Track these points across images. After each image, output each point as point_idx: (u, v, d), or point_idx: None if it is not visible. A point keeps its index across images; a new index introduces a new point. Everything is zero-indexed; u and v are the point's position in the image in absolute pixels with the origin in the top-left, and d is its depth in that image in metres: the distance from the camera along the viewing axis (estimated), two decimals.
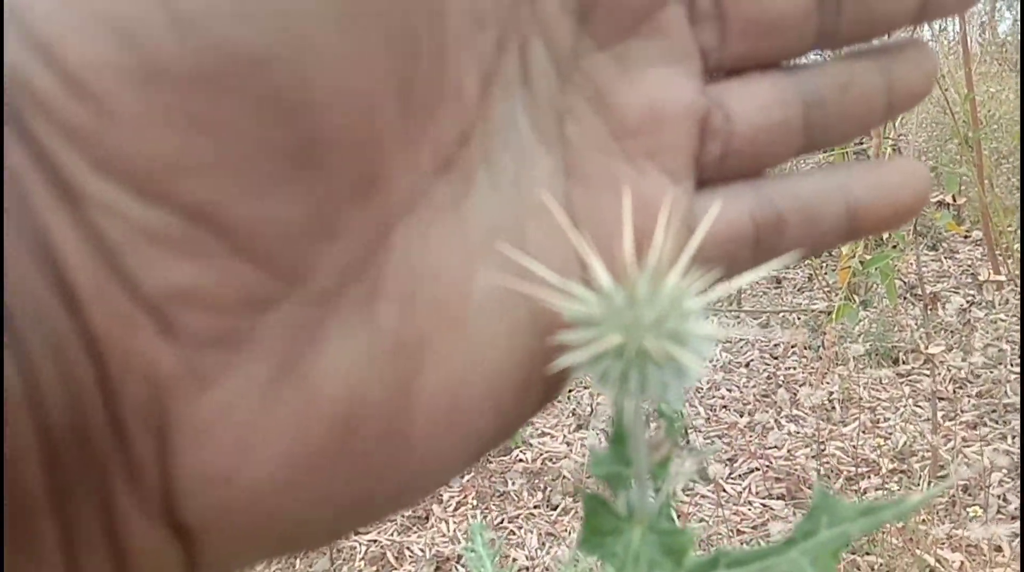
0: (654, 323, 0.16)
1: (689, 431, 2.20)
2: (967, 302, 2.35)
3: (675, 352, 0.16)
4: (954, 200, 1.70)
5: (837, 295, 2.12)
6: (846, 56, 0.22)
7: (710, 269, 0.18)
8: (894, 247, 1.85)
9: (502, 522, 2.05)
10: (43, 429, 0.13)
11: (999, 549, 1.63)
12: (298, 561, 1.92)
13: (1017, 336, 2.42)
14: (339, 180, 0.16)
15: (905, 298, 2.48)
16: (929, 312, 1.75)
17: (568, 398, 2.64)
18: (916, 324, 2.12)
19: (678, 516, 1.91)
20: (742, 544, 1.80)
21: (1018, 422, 2.03)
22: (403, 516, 2.15)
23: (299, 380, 0.16)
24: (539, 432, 2.47)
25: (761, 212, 0.21)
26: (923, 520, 1.73)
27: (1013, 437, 1.97)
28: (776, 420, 2.26)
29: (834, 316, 1.76)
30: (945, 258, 3.24)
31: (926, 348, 1.69)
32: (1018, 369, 2.29)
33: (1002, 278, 1.66)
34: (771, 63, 0.22)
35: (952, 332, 2.43)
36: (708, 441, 2.20)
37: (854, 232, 0.22)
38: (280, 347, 0.16)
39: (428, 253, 0.17)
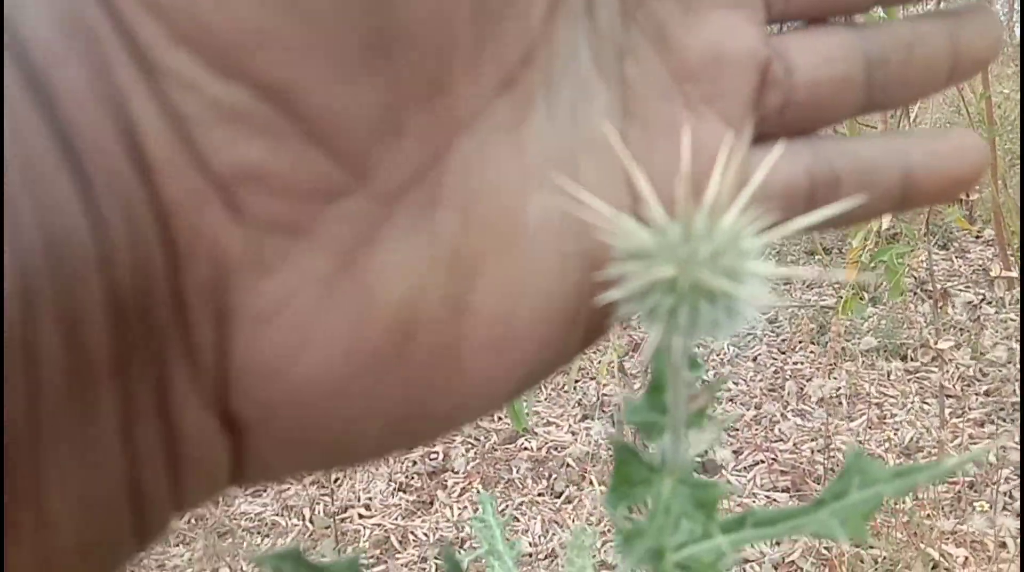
0: (709, 258, 0.16)
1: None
2: (977, 299, 2.34)
3: (729, 288, 0.16)
4: (967, 196, 1.68)
5: (847, 291, 2.11)
6: (912, 17, 0.22)
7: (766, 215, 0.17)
8: (904, 243, 1.84)
9: (506, 509, 2.06)
10: (111, 288, 0.14)
11: (1004, 545, 1.63)
12: (305, 539, 1.93)
13: None
14: (413, 78, 0.16)
15: (915, 294, 2.47)
16: (939, 309, 1.75)
17: (574, 389, 2.64)
18: (925, 321, 2.12)
19: None
20: None
21: None
22: (407, 501, 2.16)
23: (358, 277, 0.16)
24: (544, 421, 2.48)
25: (818, 168, 0.21)
26: (928, 515, 1.72)
27: (1021, 436, 1.96)
28: (782, 413, 2.25)
29: (840, 310, 1.76)
30: (956, 257, 3.23)
31: (935, 343, 1.68)
32: None
33: (1014, 275, 1.65)
34: (836, 17, 0.22)
35: (962, 330, 2.42)
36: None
37: (908, 200, 0.22)
38: (341, 241, 0.16)
39: (486, 170, 0.17)
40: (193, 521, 1.94)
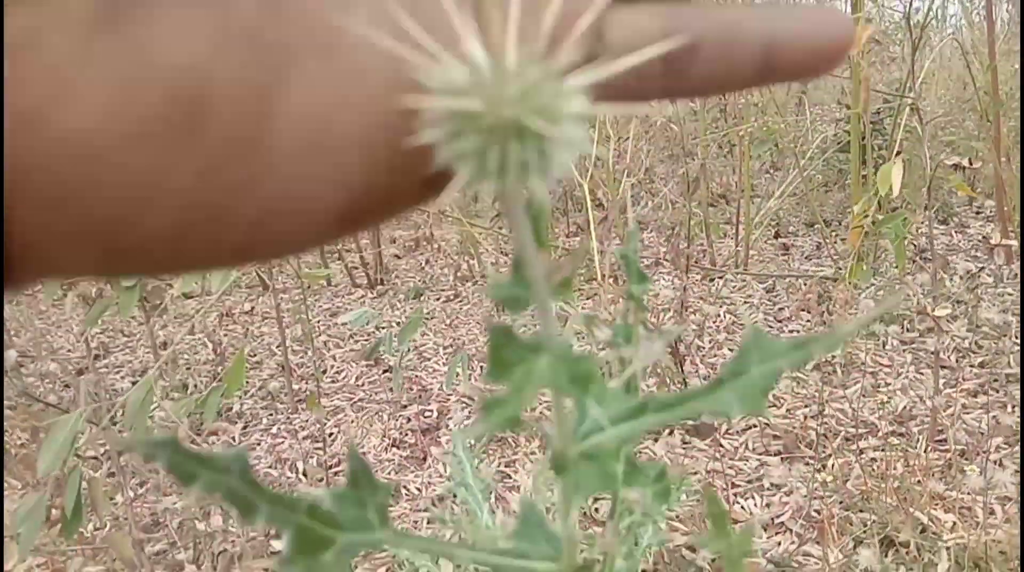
0: (519, 95, 0.15)
1: (689, 387, 2.21)
2: (977, 268, 2.34)
3: (540, 127, 0.15)
4: (970, 163, 1.68)
5: (845, 262, 2.11)
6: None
7: (616, 79, 0.16)
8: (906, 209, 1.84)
9: (500, 466, 2.07)
10: None
11: (992, 513, 1.64)
12: (298, 492, 1.93)
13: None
14: None
15: (914, 262, 2.47)
16: (937, 278, 1.75)
17: None
18: (923, 291, 2.12)
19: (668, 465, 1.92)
20: (736, 497, 1.82)
21: (1019, 392, 2.03)
22: (400, 456, 2.17)
23: (128, 31, 0.15)
24: None
25: (675, 29, 0.20)
26: (919, 481, 1.74)
27: (1013, 406, 1.97)
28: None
29: (847, 276, 1.76)
30: (956, 232, 3.23)
31: (932, 310, 1.68)
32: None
33: (1013, 243, 1.65)
34: None
35: (959, 301, 2.42)
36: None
37: (768, 71, 0.21)
38: None
39: None
40: None
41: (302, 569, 0.22)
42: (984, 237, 1.56)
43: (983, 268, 2.44)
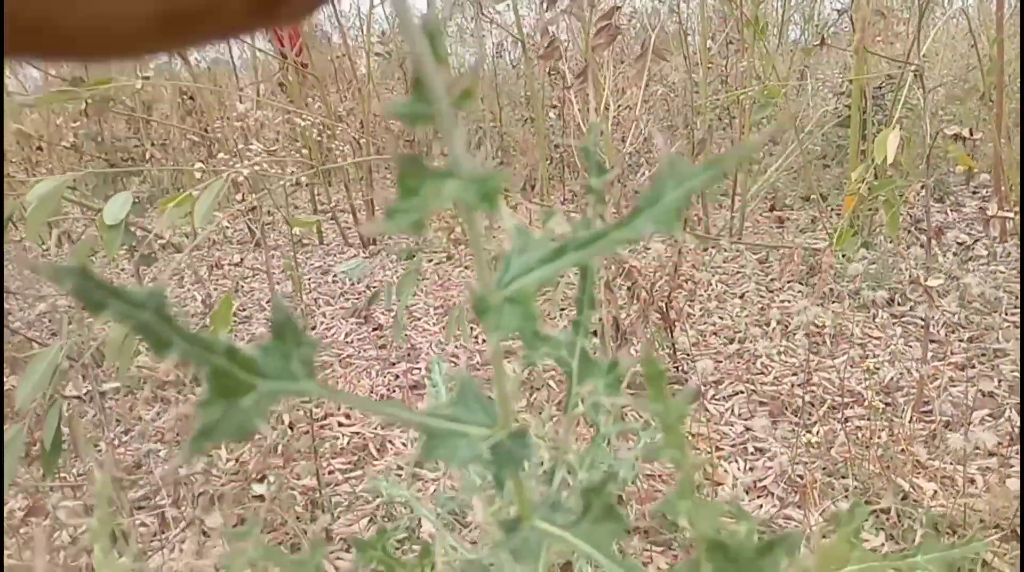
0: None
1: (678, 353, 2.20)
2: (971, 240, 2.33)
3: None
4: (970, 134, 1.66)
5: (840, 235, 2.10)
6: None
7: None
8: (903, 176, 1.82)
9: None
10: None
11: (972, 482, 1.65)
12: (284, 444, 1.93)
13: (1014, 286, 2.41)
14: None
15: (908, 232, 2.46)
16: (931, 250, 1.74)
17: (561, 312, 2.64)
18: (916, 264, 2.11)
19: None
20: (720, 461, 1.82)
21: (1006, 367, 2.04)
22: None
23: None
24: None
25: None
26: (902, 449, 1.74)
27: (1000, 381, 1.97)
28: (766, 349, 2.26)
29: (835, 242, 1.75)
30: (951, 210, 3.21)
31: (925, 280, 1.67)
32: (1013, 317, 2.29)
33: (1009, 214, 1.64)
34: None
35: (952, 277, 2.42)
36: (694, 361, 2.21)
37: None
38: None
39: None
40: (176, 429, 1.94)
41: (220, 411, 0.21)
42: (981, 208, 1.54)
43: (978, 240, 2.43)
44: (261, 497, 1.61)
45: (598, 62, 2.29)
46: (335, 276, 3.17)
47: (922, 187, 1.71)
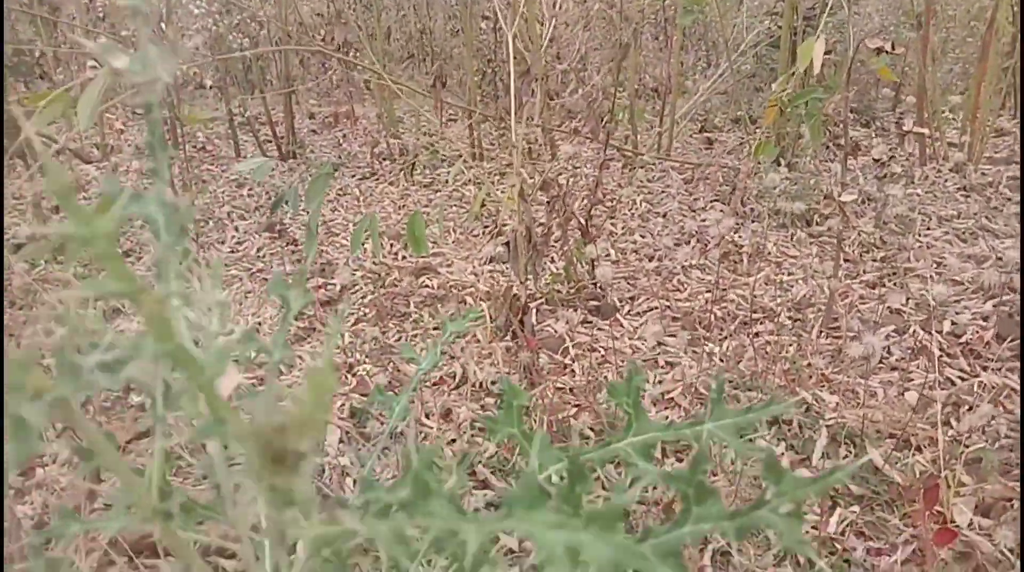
0: None
1: (596, 268, 2.18)
2: (887, 157, 2.34)
3: None
4: (892, 48, 1.63)
5: (760, 146, 2.07)
6: None
7: None
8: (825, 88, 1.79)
9: (400, 339, 2.02)
10: None
11: (873, 395, 1.67)
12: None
13: (930, 209, 2.44)
14: None
15: (828, 148, 2.46)
16: (846, 165, 1.72)
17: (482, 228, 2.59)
18: (834, 180, 2.11)
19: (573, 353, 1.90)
20: None
21: (915, 285, 2.07)
22: (297, 326, 2.10)
23: None
24: (448, 262, 2.43)
25: None
26: (808, 364, 1.76)
27: (908, 298, 2.00)
28: (683, 267, 2.25)
29: (754, 152, 1.72)
30: (876, 135, 3.23)
31: (839, 195, 1.66)
32: (924, 238, 2.32)
33: (925, 131, 1.63)
34: None
35: (869, 199, 2.43)
36: (614, 281, 2.19)
37: None
38: None
39: None
40: None
41: None
42: (898, 123, 1.53)
43: (893, 156, 2.44)
44: None
45: None
46: (250, 189, 3.04)
47: (842, 99, 1.68)
